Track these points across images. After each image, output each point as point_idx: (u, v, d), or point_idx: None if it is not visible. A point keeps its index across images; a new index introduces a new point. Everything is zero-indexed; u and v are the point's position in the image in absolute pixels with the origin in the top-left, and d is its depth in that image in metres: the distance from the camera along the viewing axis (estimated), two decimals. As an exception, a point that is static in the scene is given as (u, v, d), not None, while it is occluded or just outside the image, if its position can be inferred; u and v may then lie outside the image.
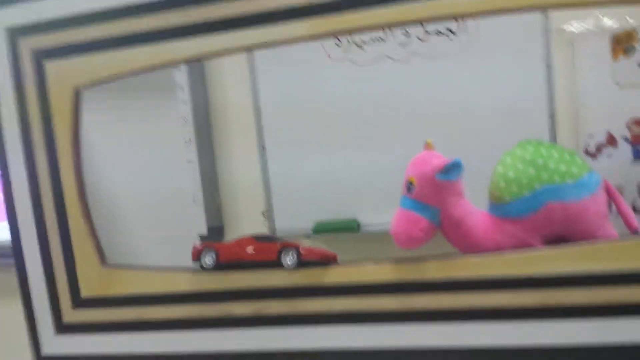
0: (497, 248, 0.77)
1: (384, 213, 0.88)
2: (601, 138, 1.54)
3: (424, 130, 1.55)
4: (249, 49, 0.83)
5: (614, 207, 0.80)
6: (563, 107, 1.53)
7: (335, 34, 0.82)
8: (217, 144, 1.88)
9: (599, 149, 1.55)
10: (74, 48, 0.86)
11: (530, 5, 0.75)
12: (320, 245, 1.61)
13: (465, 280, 0.76)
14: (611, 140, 1.54)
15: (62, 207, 0.87)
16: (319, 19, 0.78)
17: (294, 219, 1.79)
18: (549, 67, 1.49)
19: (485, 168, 0.81)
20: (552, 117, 1.52)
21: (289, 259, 0.80)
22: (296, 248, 0.80)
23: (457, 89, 1.54)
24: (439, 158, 0.77)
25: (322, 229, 1.72)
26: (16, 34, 0.88)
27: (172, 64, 0.88)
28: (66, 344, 0.91)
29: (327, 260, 0.82)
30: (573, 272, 0.72)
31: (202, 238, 1.77)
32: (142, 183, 1.46)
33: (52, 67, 0.87)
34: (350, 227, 1.73)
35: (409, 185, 0.78)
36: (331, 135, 1.72)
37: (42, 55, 0.88)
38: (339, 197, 1.77)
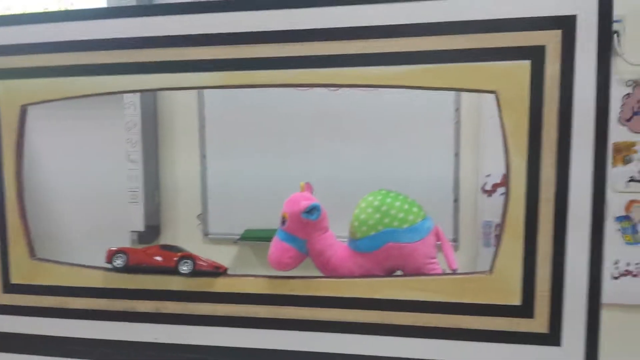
0: (350, 275, 0.96)
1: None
2: (497, 179, 1.76)
3: (353, 148, 1.77)
4: (171, 89, 1.01)
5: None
6: (466, 148, 1.76)
7: (243, 87, 0.99)
8: (162, 147, 2.04)
9: (494, 188, 1.77)
10: (25, 71, 1.01)
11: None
12: (247, 251, 1.80)
13: (322, 297, 0.94)
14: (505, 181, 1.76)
15: (2, 206, 1.03)
16: (230, 73, 0.95)
17: (227, 225, 1.96)
18: (457, 111, 1.72)
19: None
20: (457, 155, 1.75)
21: (185, 267, 0.98)
22: (193, 258, 0.98)
23: (382, 114, 1.76)
24: (306, 200, 0.96)
25: (249, 236, 1.90)
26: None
27: (109, 94, 1.05)
28: (-3, 322, 1.07)
29: (217, 271, 1.00)
30: (403, 298, 0.92)
31: (139, 234, 1.93)
32: (85, 182, 1.62)
33: (3, 86, 1.03)
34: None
35: (283, 220, 0.97)
36: (268, 147, 1.90)
37: (-5, 75, 1.03)
38: (271, 207, 1.95)
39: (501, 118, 0.86)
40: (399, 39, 0.88)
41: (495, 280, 0.89)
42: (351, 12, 0.89)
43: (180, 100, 2.01)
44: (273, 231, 1.87)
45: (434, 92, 1.68)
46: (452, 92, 1.72)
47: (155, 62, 0.97)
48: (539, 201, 0.86)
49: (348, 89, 1.78)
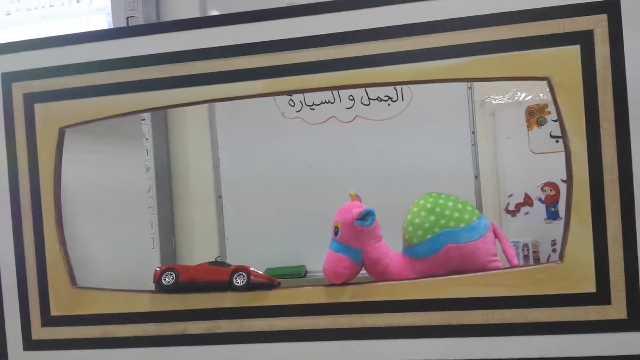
0: (410, 281, 0.93)
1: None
2: (519, 198, 1.75)
3: (365, 183, 1.74)
4: (212, 101, 0.99)
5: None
6: (486, 169, 1.75)
7: (286, 93, 0.99)
8: (176, 191, 2.01)
9: (517, 207, 1.76)
10: (61, 93, 0.99)
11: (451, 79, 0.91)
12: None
13: (385, 302, 0.91)
14: (528, 200, 1.75)
15: (41, 233, 0.99)
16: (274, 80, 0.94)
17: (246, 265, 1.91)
18: (473, 133, 1.72)
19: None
20: (477, 177, 1.74)
21: (239, 279, 0.94)
22: (247, 271, 0.94)
23: (394, 147, 1.75)
24: (358, 207, 0.94)
25: (271, 274, 1.85)
26: (10, 78, 1.01)
27: (145, 111, 1.04)
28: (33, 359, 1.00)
29: (272, 283, 0.96)
30: (470, 296, 0.88)
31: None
32: (105, 227, 1.57)
33: (41, 109, 1.00)
34: (297, 273, 1.87)
35: (336, 230, 0.94)
36: (283, 186, 1.88)
37: (32, 98, 1.00)
38: (289, 244, 1.92)
39: (556, 103, 0.86)
40: (447, 33, 0.88)
41: (566, 269, 0.86)
42: (399, 10, 0.90)
43: (194, 142, 2.00)
44: (293, 268, 1.87)
45: (447, 117, 1.73)
46: (466, 115, 1.73)
47: (198, 75, 0.96)
48: (603, 184, 0.85)
49: (364, 119, 1.81)
